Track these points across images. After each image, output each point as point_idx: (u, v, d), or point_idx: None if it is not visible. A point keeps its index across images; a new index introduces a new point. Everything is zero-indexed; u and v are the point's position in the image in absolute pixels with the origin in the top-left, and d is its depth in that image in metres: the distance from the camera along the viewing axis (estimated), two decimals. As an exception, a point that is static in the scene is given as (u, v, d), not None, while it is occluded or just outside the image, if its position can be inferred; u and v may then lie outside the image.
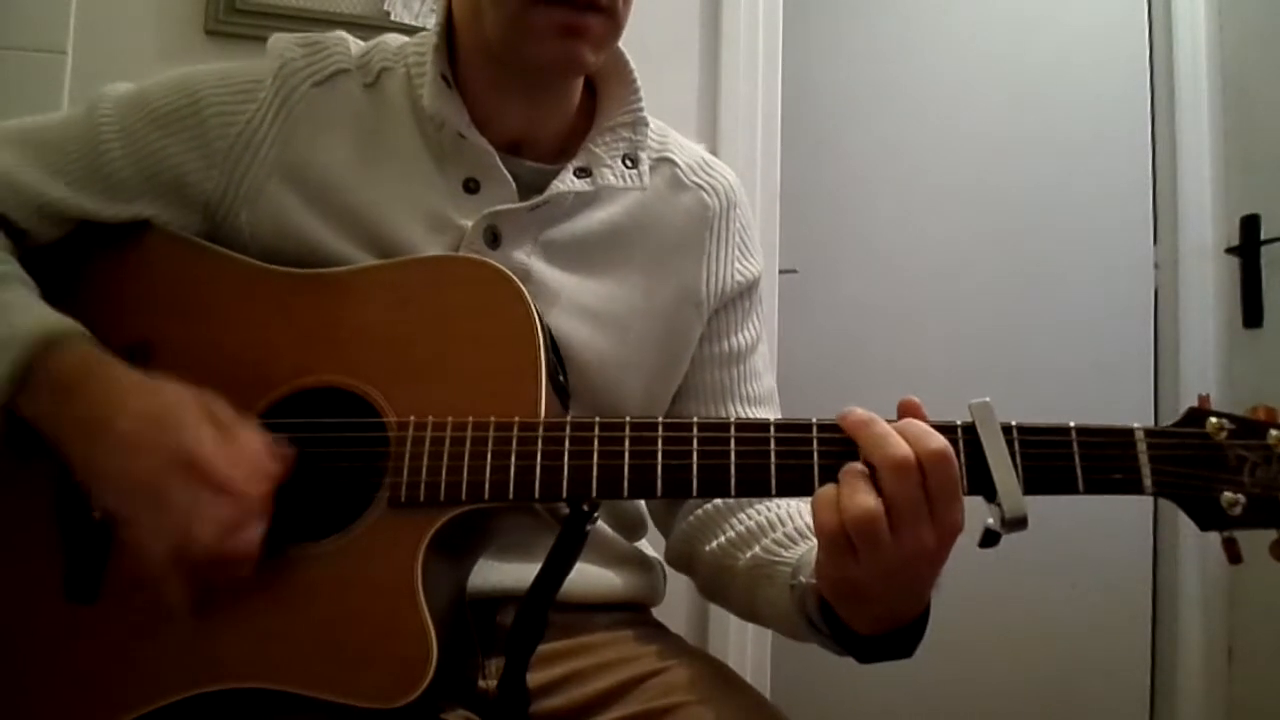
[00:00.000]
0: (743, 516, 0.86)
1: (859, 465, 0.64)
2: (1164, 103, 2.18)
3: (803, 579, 0.75)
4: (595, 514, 0.71)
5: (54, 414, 0.71)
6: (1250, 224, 2.05)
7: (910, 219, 2.27)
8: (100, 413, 0.70)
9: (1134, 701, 2.09)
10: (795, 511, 0.84)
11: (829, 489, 0.64)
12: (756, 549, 0.83)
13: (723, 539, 0.86)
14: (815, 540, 0.75)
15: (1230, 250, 2.08)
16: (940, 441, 0.63)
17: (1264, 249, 2.02)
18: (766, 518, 0.85)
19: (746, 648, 1.73)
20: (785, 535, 0.82)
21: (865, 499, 0.62)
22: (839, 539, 0.63)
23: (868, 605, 0.68)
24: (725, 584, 0.87)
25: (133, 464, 0.68)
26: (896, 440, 0.63)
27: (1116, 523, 2.08)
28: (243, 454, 0.69)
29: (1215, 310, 2.09)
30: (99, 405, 0.70)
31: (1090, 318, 2.17)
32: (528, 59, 0.82)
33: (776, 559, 0.81)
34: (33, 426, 0.72)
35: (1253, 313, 2.04)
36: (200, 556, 0.66)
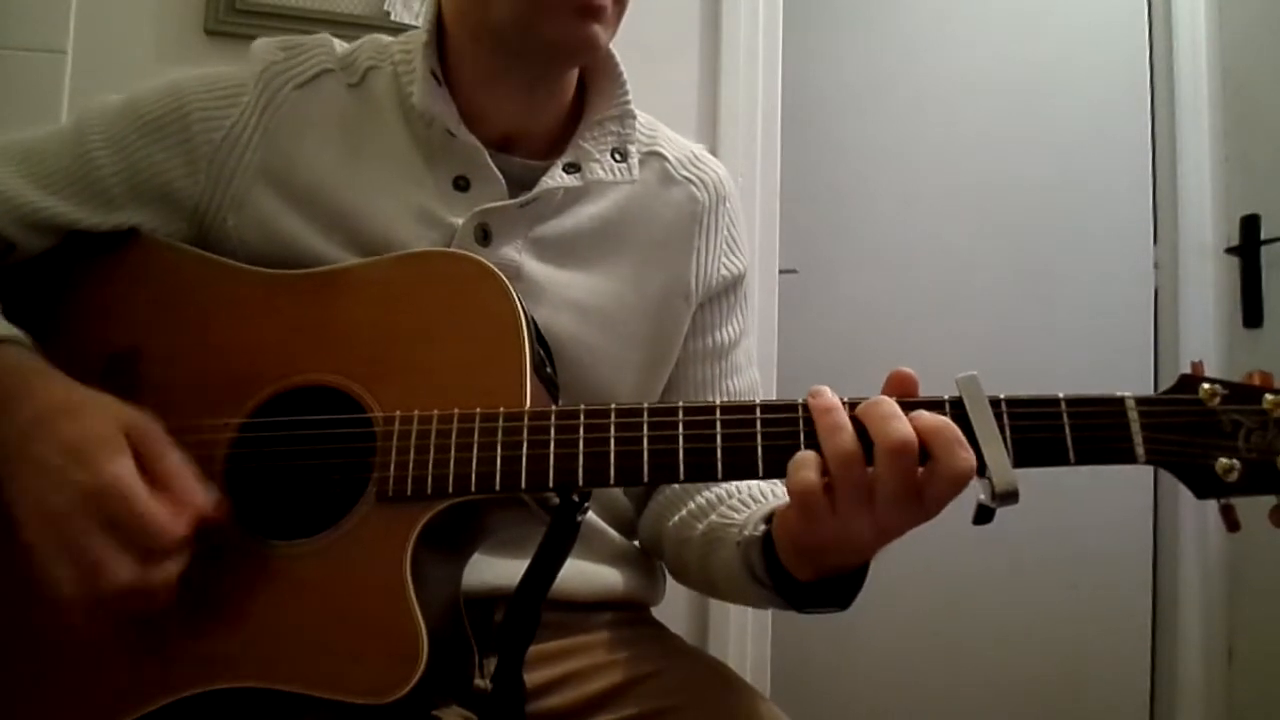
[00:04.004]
0: (702, 488, 0.87)
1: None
2: (1164, 102, 2.18)
3: (747, 533, 0.76)
4: (586, 504, 0.70)
5: None
6: (1250, 224, 2.05)
7: (910, 219, 2.27)
8: (24, 435, 0.67)
9: (1134, 701, 2.09)
10: (749, 484, 0.85)
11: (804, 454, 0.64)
12: (712, 516, 0.84)
13: (684, 512, 0.88)
14: (764, 503, 0.78)
15: (1230, 250, 2.08)
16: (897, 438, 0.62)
17: (1264, 249, 2.02)
18: (725, 488, 0.86)
19: (746, 648, 1.73)
20: (739, 501, 0.84)
21: (808, 475, 0.63)
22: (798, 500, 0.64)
23: (813, 558, 0.68)
24: (685, 555, 0.87)
25: (46, 498, 0.64)
26: (847, 434, 0.63)
27: (1116, 523, 2.08)
28: (168, 485, 0.66)
29: (1215, 310, 2.09)
30: (26, 426, 0.67)
31: (1090, 318, 2.17)
32: (543, 39, 0.82)
33: (728, 522, 0.81)
34: None
35: (1253, 313, 2.04)
36: (110, 598, 0.63)
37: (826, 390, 0.65)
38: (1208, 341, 2.08)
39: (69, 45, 1.45)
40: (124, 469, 0.65)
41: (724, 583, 0.81)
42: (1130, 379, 2.08)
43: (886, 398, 0.64)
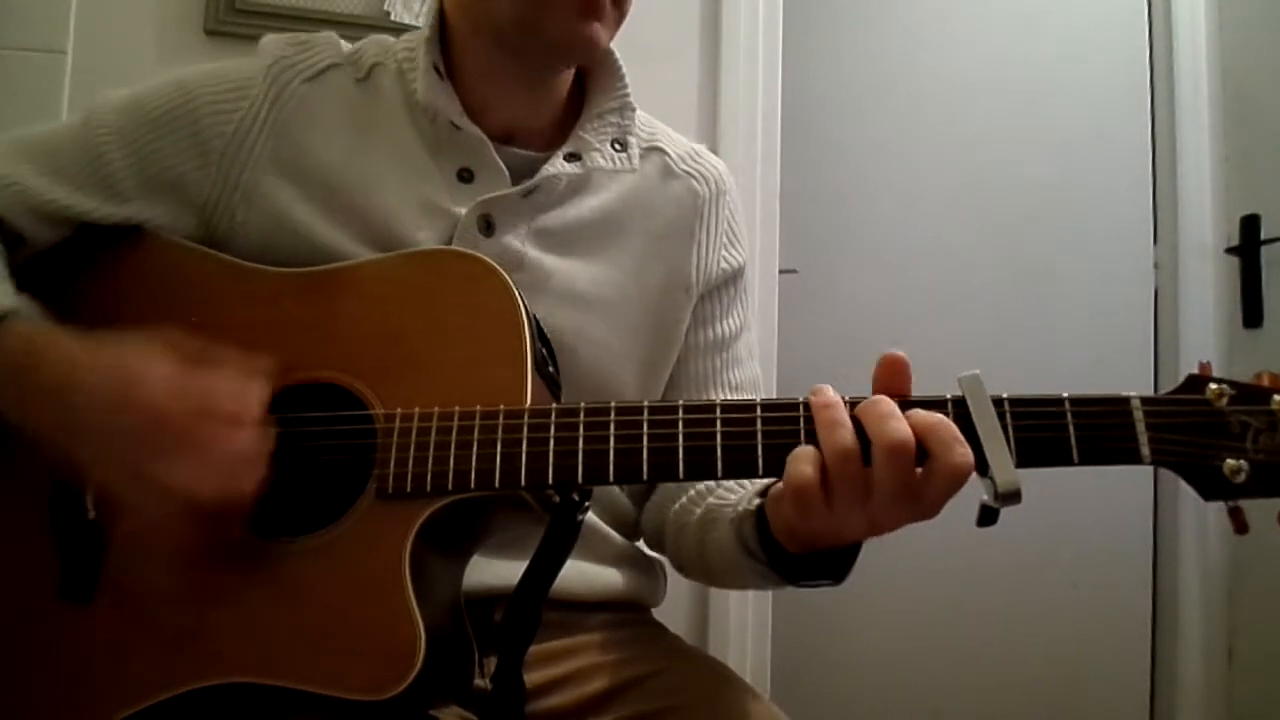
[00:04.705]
0: None
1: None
2: (1164, 102, 2.18)
3: (741, 508, 0.76)
4: (586, 504, 0.71)
5: (17, 391, 0.69)
6: (1250, 224, 2.05)
7: (910, 219, 2.27)
8: (67, 375, 0.68)
9: (1134, 701, 2.09)
10: None
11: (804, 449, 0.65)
12: (710, 499, 0.85)
13: (684, 499, 0.89)
14: (765, 481, 0.77)
15: (1230, 250, 2.08)
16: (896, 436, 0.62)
17: (1264, 249, 2.02)
18: None
19: (746, 647, 1.73)
20: (735, 483, 0.84)
21: (804, 469, 0.63)
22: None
23: (805, 542, 0.69)
24: (684, 540, 0.88)
25: (116, 419, 0.66)
26: (845, 430, 0.63)
27: (1117, 523, 2.08)
28: (225, 379, 0.68)
29: (1215, 310, 2.09)
30: (63, 369, 0.68)
31: (1090, 318, 2.17)
32: (544, 37, 0.83)
33: (723, 502, 0.83)
34: None
35: (1253, 313, 2.04)
36: (229, 470, 0.65)
37: (828, 388, 0.66)
38: (1208, 341, 2.08)
39: (69, 45, 1.45)
40: (179, 370, 0.67)
41: (719, 562, 0.82)
42: (1130, 379, 2.07)
43: (885, 397, 0.64)
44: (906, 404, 0.64)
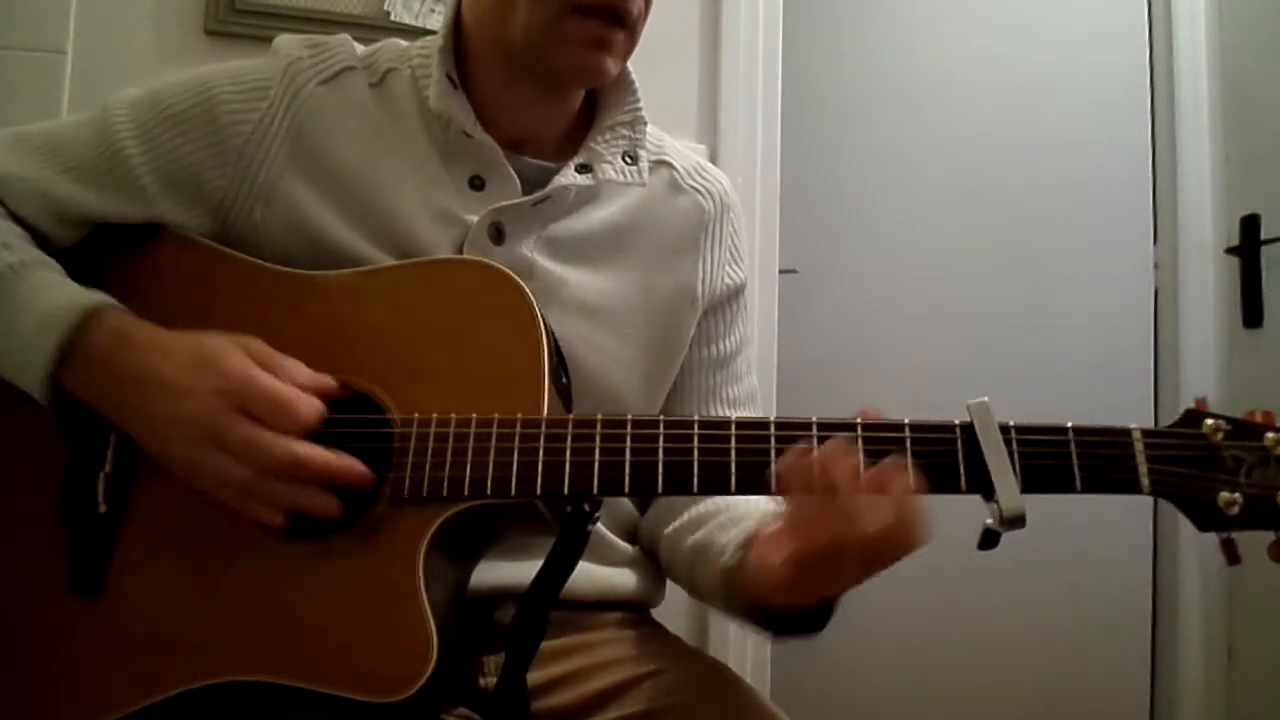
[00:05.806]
0: (699, 500, 0.89)
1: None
2: (1164, 103, 2.18)
3: (724, 561, 0.78)
4: (596, 514, 0.71)
5: (103, 379, 0.73)
6: (1250, 224, 2.05)
7: (910, 219, 2.27)
8: (147, 367, 0.72)
9: (1134, 702, 2.09)
10: (740, 499, 0.86)
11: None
12: (700, 532, 0.86)
13: (681, 520, 0.90)
14: (748, 525, 0.80)
15: (1230, 250, 2.08)
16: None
17: (1264, 249, 2.02)
18: (716, 504, 0.88)
19: (746, 648, 1.73)
20: (727, 519, 0.85)
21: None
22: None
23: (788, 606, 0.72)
24: (677, 561, 0.89)
25: (184, 408, 0.70)
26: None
27: (1116, 523, 2.08)
28: (290, 375, 0.71)
29: (1215, 310, 2.09)
30: (145, 360, 0.73)
31: (1090, 318, 2.17)
32: (553, 64, 0.84)
33: (711, 542, 0.84)
34: (77, 399, 0.74)
35: (1253, 313, 2.04)
36: (271, 471, 0.68)
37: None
38: (1207, 341, 2.08)
39: (69, 45, 1.45)
40: (245, 362, 0.71)
41: (708, 596, 0.84)
42: (1130, 380, 2.08)
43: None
44: (916, 428, 0.66)
